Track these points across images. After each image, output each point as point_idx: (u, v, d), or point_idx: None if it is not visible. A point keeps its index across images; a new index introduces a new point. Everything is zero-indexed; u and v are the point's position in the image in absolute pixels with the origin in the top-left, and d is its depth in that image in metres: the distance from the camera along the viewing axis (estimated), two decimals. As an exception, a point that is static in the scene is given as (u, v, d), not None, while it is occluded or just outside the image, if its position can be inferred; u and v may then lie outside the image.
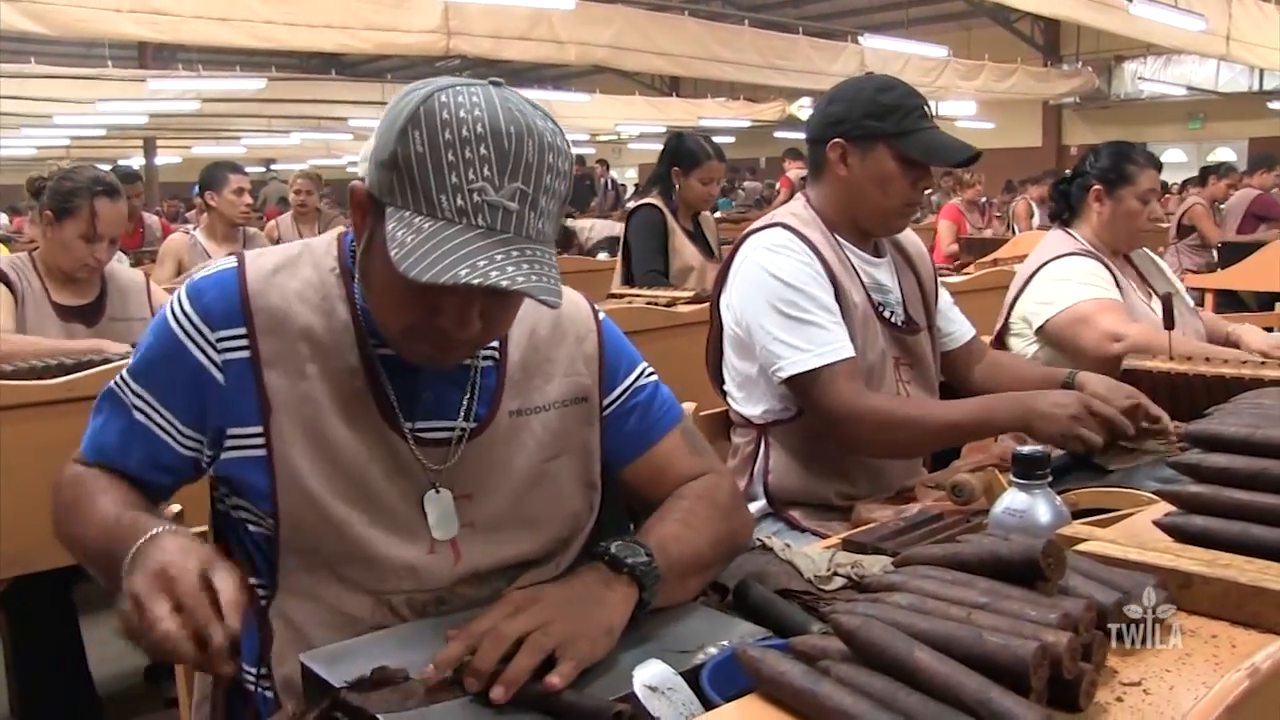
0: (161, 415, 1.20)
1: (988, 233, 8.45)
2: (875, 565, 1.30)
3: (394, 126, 1.05)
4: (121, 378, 1.23)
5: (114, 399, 1.24)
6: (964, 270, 5.35)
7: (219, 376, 1.17)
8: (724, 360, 2.08)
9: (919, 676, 0.62)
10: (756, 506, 1.99)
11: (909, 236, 2.18)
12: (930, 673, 0.62)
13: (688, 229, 4.20)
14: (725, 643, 1.11)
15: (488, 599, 1.27)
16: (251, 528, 1.24)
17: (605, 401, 1.35)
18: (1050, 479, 1.25)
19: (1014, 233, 8.71)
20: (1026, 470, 1.25)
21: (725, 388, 2.09)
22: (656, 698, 0.69)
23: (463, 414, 1.25)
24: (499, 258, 1.02)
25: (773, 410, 1.99)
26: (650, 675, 0.73)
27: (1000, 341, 2.68)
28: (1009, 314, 2.67)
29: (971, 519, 1.60)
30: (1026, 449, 1.26)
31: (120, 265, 3.27)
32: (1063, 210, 2.75)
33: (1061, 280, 2.56)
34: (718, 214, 8.08)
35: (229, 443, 1.19)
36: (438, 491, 1.23)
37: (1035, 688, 0.67)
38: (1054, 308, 2.54)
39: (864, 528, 1.65)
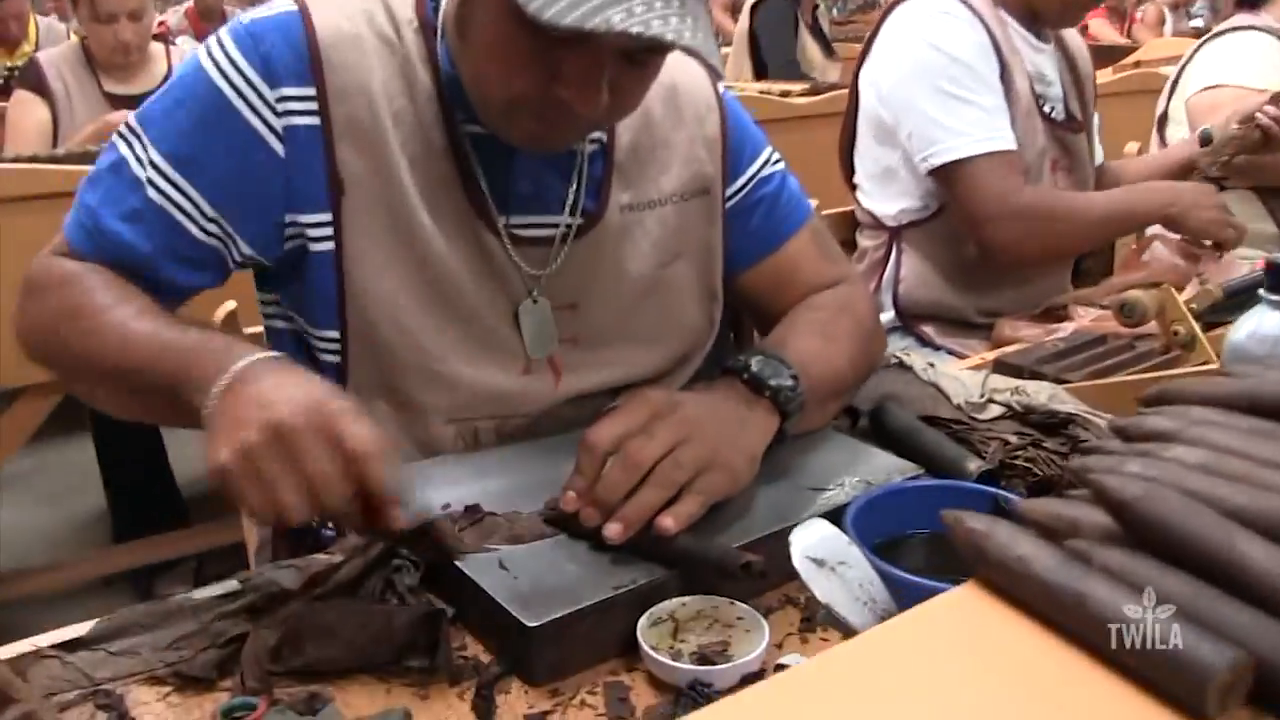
0: (185, 194, 0.95)
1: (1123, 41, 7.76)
2: (1041, 393, 1.10)
3: None
4: (134, 144, 0.96)
5: (120, 172, 0.96)
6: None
7: (278, 148, 0.95)
8: (856, 149, 1.84)
9: (1244, 578, 0.42)
10: (884, 319, 1.78)
11: (1069, 30, 1.90)
12: (1267, 576, 0.41)
13: (809, 23, 3.94)
14: (866, 478, 0.93)
15: (589, 424, 1.10)
16: (312, 346, 1.05)
17: (728, 193, 1.14)
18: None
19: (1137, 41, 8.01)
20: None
21: (856, 181, 1.86)
22: (824, 575, 0.49)
23: (567, 208, 1.05)
24: (657, 4, 0.79)
25: (910, 209, 1.76)
26: (814, 542, 0.51)
27: (1159, 132, 2.38)
28: (1170, 98, 2.35)
29: (1137, 343, 1.38)
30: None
31: (187, 46, 3.08)
32: None
33: (1224, 55, 2.24)
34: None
35: (291, 232, 0.98)
36: (535, 301, 1.05)
37: None
38: (1204, 82, 2.23)
39: (1013, 348, 1.44)
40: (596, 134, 1.06)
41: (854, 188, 1.87)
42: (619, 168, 1.07)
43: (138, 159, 0.95)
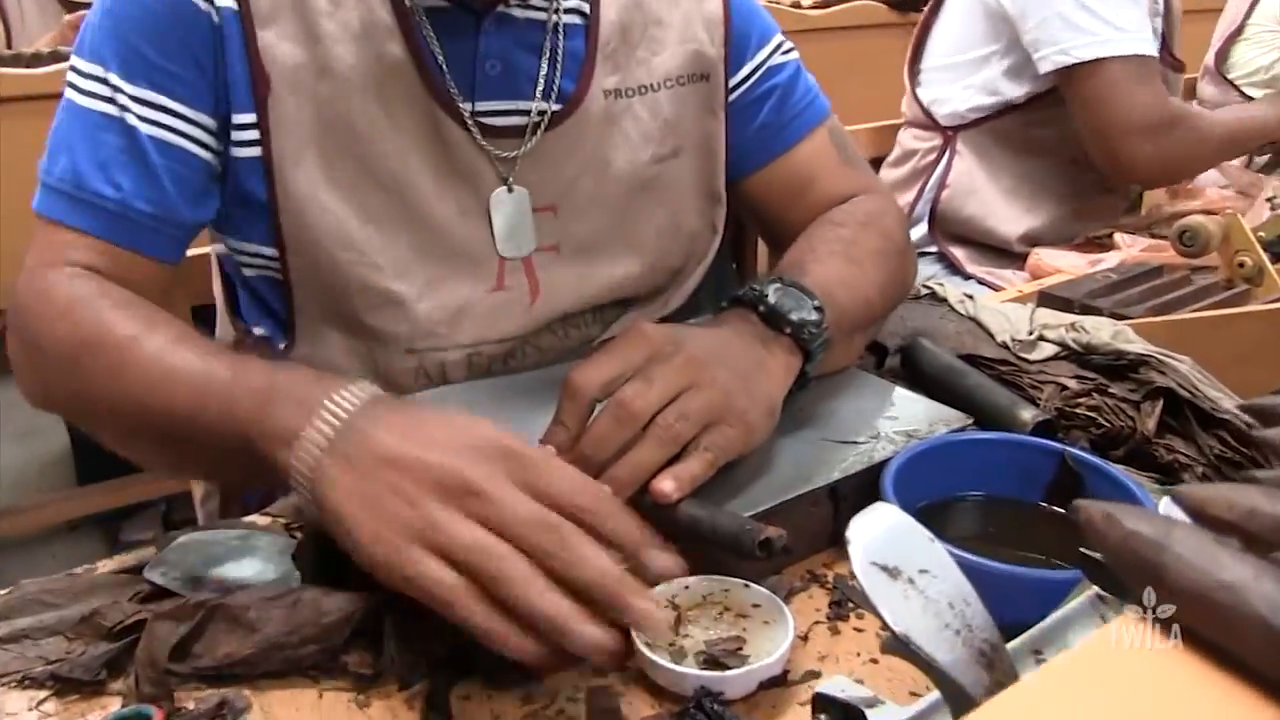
0: (172, 112, 0.80)
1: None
2: (1102, 330, 0.94)
3: None
4: (89, 81, 0.80)
5: (85, 119, 0.79)
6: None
7: (224, 29, 0.79)
8: (934, 29, 1.66)
9: None
10: (914, 237, 1.63)
11: None
12: None
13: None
14: (906, 430, 0.78)
15: (574, 353, 0.94)
16: (248, 271, 0.90)
17: (732, 83, 0.97)
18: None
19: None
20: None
21: (921, 67, 1.68)
22: (898, 590, 0.31)
23: (540, 92, 0.89)
24: None
25: (982, 105, 1.58)
26: (880, 537, 0.32)
27: (1222, 57, 2.19)
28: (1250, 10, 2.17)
29: (1194, 276, 1.22)
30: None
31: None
32: None
33: None
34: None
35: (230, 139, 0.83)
36: (510, 190, 0.89)
37: None
38: None
39: (1056, 279, 1.28)
40: (576, 3, 0.90)
41: (915, 77, 1.69)
42: (603, 47, 0.91)
43: (106, 98, 0.79)
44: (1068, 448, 0.74)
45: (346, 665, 0.60)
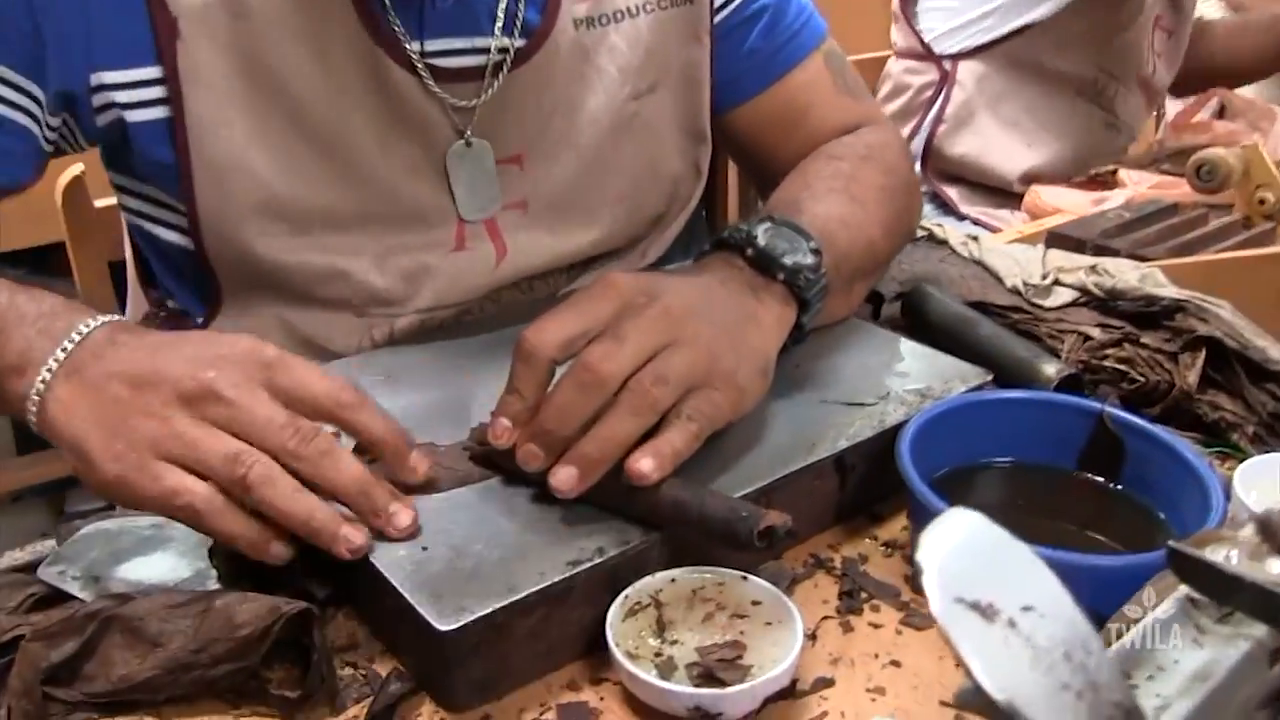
0: None
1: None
2: (1128, 273, 0.85)
3: None
4: None
5: None
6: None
7: None
8: None
9: None
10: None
11: None
12: None
13: None
14: (918, 388, 0.68)
15: (537, 308, 0.84)
16: (157, 231, 0.78)
17: (717, 3, 0.86)
18: None
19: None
20: None
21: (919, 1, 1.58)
22: (995, 635, 0.22)
23: (500, 26, 0.77)
24: None
25: (983, 29, 1.49)
26: (958, 554, 0.23)
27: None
28: None
29: (1211, 215, 1.13)
30: None
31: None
32: None
33: None
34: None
35: (99, 100, 0.69)
36: (469, 144, 0.77)
37: None
38: None
39: (1059, 219, 1.18)
40: None
41: (909, 6, 1.59)
42: None
43: None
44: (1106, 406, 0.64)
45: (268, 686, 0.50)
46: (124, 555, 0.62)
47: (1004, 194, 1.48)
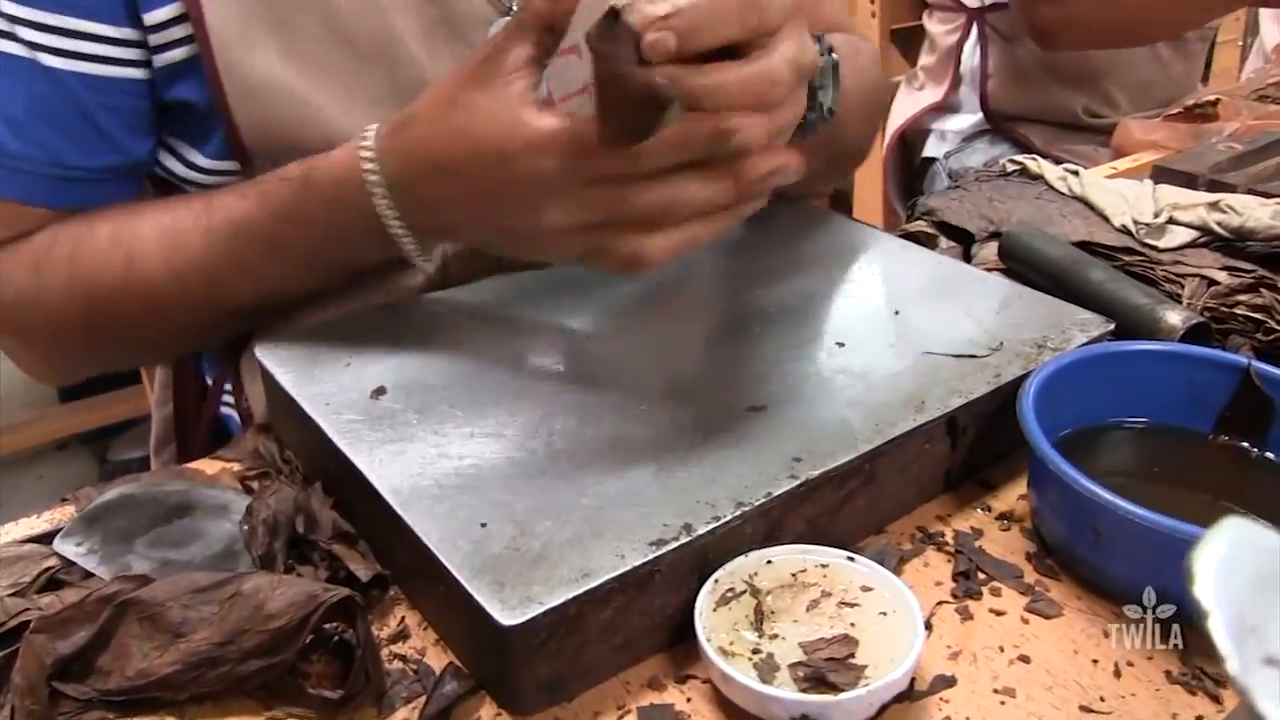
0: (82, 35, 0.61)
1: None
2: (1257, 210, 0.75)
3: None
4: None
5: None
6: None
7: None
8: None
9: None
10: (969, 122, 1.44)
11: None
12: None
13: None
14: (1035, 339, 0.60)
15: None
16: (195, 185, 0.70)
17: None
18: None
19: None
20: None
21: None
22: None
23: None
24: None
25: None
26: (1261, 606, 0.18)
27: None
28: None
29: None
30: None
31: None
32: None
33: None
34: None
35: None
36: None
37: None
38: None
39: (1156, 155, 1.09)
40: None
41: None
42: None
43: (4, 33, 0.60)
44: (1254, 361, 0.56)
45: (304, 684, 0.44)
46: (149, 525, 0.55)
47: (1082, 128, 1.37)
